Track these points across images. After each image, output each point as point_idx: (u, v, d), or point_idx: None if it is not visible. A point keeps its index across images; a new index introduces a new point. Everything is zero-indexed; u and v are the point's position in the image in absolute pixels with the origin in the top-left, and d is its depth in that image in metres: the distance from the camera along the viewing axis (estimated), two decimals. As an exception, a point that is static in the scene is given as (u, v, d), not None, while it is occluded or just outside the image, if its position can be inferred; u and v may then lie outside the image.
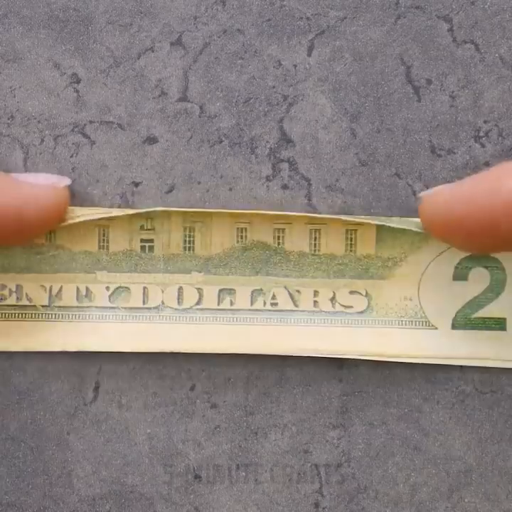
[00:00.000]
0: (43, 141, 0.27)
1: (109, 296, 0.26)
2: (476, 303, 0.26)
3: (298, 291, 0.27)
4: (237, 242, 0.26)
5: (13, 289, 0.26)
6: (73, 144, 0.27)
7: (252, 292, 0.27)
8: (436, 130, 0.27)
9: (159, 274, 0.27)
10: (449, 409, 0.27)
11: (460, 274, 0.26)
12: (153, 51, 0.27)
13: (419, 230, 0.25)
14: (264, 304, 0.26)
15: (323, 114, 0.27)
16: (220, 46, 0.27)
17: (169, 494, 0.27)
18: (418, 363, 0.27)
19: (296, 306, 0.27)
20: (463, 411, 0.27)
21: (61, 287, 0.26)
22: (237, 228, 0.26)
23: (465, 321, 0.26)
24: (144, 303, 0.26)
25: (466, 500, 0.27)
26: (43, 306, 0.26)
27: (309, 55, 0.27)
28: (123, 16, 0.27)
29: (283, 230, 0.26)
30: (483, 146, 0.27)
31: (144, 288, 0.26)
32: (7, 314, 0.26)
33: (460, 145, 0.27)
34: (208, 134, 0.27)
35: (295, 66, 0.27)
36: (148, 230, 0.26)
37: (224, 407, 0.27)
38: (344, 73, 0.27)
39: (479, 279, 0.26)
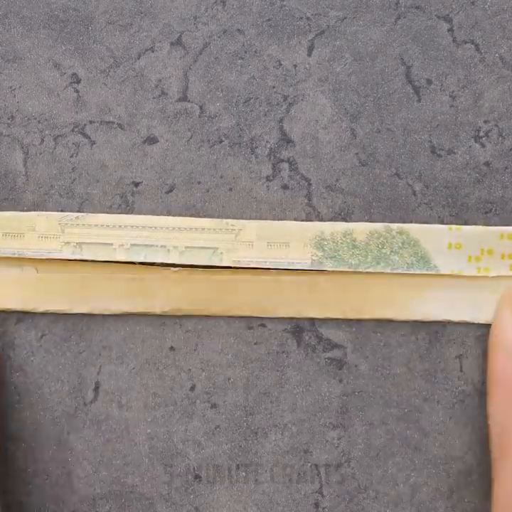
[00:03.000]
0: (43, 141, 0.27)
1: None
2: None
3: None
4: None
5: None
6: (73, 143, 0.27)
7: None
8: (436, 130, 0.27)
9: None
10: (449, 409, 0.27)
11: None
12: (153, 51, 0.27)
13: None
14: None
15: (323, 114, 0.27)
16: (220, 46, 0.27)
17: (169, 494, 0.27)
18: (418, 364, 0.27)
19: None
20: (463, 411, 0.27)
21: None
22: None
23: None
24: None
25: (466, 500, 0.27)
26: None
27: (309, 55, 0.27)
28: (123, 16, 0.27)
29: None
30: (483, 146, 0.27)
31: None
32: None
33: (460, 145, 0.27)
34: (208, 134, 0.27)
35: (295, 66, 0.27)
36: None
37: (224, 407, 0.27)
38: (344, 73, 0.27)
39: None
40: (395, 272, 0.26)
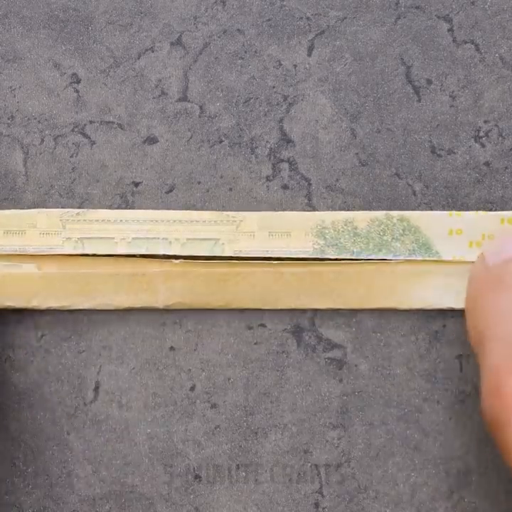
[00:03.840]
0: (43, 141, 0.27)
1: None
2: None
3: None
4: None
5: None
6: (73, 143, 0.27)
7: None
8: (436, 130, 0.27)
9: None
10: (449, 409, 0.27)
11: None
12: (153, 51, 0.27)
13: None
14: None
15: (323, 114, 0.27)
16: (220, 46, 0.27)
17: (169, 494, 0.27)
18: (418, 364, 0.27)
19: None
20: (463, 411, 0.27)
21: None
22: None
23: None
24: None
25: (466, 500, 0.27)
26: None
27: (309, 55, 0.27)
28: (123, 16, 0.27)
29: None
30: (483, 146, 0.27)
31: None
32: None
33: (460, 145, 0.27)
34: (208, 134, 0.27)
35: (295, 66, 0.27)
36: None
37: (224, 407, 0.27)
38: (344, 73, 0.27)
39: None
40: (396, 259, 0.26)
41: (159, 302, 0.26)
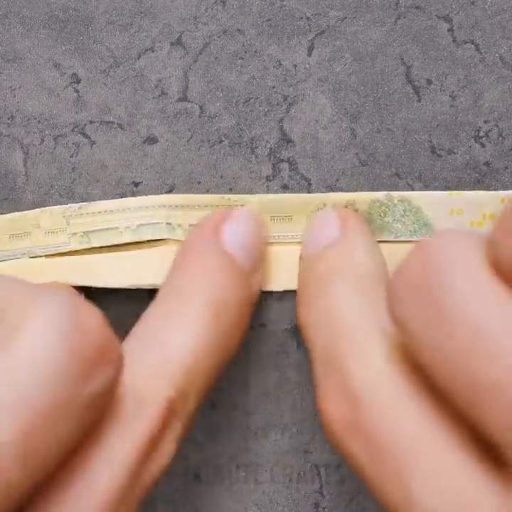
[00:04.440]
0: (43, 141, 0.27)
1: None
2: None
3: None
4: None
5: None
6: (73, 143, 0.27)
7: None
8: (436, 130, 0.27)
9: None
10: (449, 409, 0.27)
11: None
12: (153, 51, 0.27)
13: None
14: None
15: (323, 114, 0.27)
16: (220, 46, 0.27)
17: (169, 494, 0.27)
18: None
19: None
20: (463, 411, 0.27)
21: None
22: None
23: None
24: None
25: (466, 500, 0.27)
26: None
27: (309, 55, 0.27)
28: (123, 16, 0.27)
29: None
30: (483, 146, 0.27)
31: None
32: None
33: (460, 145, 0.27)
34: (208, 134, 0.27)
35: (295, 66, 0.27)
36: None
37: (224, 407, 0.27)
38: (344, 73, 0.27)
39: None
40: (398, 239, 0.26)
41: (159, 280, 0.26)
